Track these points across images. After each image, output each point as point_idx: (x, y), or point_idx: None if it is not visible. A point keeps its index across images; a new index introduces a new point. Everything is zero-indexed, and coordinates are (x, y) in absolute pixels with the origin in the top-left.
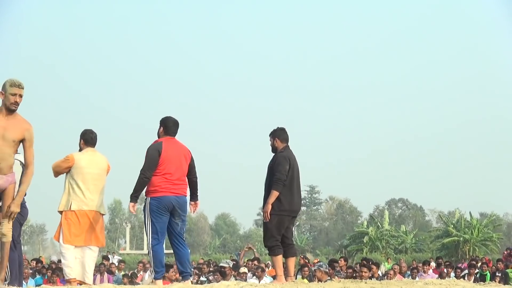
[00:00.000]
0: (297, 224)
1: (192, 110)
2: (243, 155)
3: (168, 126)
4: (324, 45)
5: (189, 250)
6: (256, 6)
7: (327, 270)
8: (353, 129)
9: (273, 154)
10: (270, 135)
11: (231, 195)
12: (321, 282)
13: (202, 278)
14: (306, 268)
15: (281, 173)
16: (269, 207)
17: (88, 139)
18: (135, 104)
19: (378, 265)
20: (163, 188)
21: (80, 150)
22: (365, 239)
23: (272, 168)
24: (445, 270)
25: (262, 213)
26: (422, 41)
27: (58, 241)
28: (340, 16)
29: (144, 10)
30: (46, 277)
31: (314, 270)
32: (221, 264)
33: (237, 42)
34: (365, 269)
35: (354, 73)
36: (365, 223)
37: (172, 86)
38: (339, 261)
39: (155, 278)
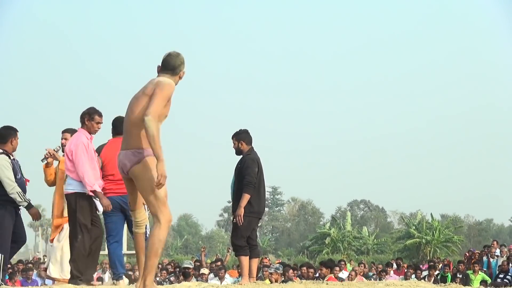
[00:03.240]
0: (259, 225)
1: None
2: (206, 156)
3: (115, 125)
4: (290, 42)
5: None
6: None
7: (282, 272)
8: (316, 130)
9: (240, 156)
10: (233, 138)
11: (193, 196)
12: (276, 283)
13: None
14: (266, 269)
15: (251, 176)
16: (242, 210)
17: None
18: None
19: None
20: (107, 189)
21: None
22: (327, 240)
23: (241, 171)
24: (405, 271)
25: (234, 216)
26: (393, 40)
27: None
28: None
29: (145, 7)
30: (7, 277)
31: (271, 273)
32: (185, 265)
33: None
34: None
35: (316, 73)
36: (328, 224)
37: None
38: (302, 269)
39: (113, 279)
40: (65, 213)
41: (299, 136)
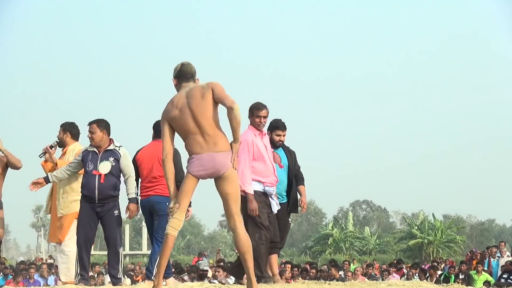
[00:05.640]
0: None
1: (153, 107)
2: None
3: (154, 130)
4: (291, 42)
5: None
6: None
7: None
8: (318, 130)
9: (282, 147)
10: (284, 129)
11: (195, 196)
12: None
13: None
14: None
15: None
16: None
17: (76, 134)
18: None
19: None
20: (140, 194)
21: (61, 143)
22: (330, 240)
23: (295, 163)
24: (404, 271)
25: (304, 206)
26: (398, 39)
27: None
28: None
29: (142, 10)
30: (10, 277)
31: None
32: (203, 268)
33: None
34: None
35: (319, 73)
36: (330, 224)
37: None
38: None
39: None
40: (63, 212)
41: (301, 136)
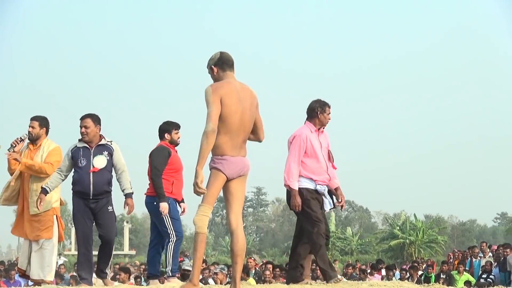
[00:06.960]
0: (244, 225)
1: (151, 105)
2: (193, 157)
3: (160, 131)
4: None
5: (160, 251)
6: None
7: (227, 273)
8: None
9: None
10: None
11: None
12: (221, 284)
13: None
14: (253, 270)
15: None
16: None
17: (48, 128)
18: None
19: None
20: None
21: (33, 137)
22: None
23: None
24: (383, 272)
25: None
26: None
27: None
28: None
29: (142, 11)
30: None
31: (216, 273)
32: (187, 267)
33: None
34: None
35: (304, 74)
36: None
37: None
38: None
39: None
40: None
41: (282, 136)
